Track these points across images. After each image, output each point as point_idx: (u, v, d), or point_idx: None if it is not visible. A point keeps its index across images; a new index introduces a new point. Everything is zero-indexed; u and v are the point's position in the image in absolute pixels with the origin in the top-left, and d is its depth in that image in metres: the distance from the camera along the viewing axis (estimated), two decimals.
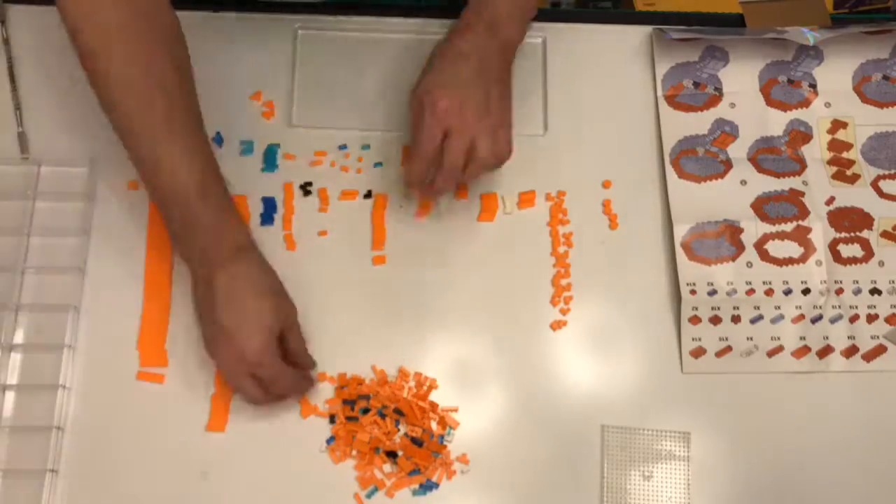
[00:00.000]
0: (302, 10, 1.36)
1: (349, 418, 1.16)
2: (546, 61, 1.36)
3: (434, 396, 1.18)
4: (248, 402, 1.14)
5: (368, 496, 1.14)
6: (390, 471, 1.15)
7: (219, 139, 1.29)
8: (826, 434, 1.19)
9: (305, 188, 1.27)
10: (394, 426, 1.16)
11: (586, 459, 1.17)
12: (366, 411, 1.16)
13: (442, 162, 1.13)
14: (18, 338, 1.18)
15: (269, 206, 1.26)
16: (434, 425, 1.16)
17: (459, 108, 1.12)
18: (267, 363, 1.10)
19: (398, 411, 1.16)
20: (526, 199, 1.28)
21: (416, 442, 1.15)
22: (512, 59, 1.22)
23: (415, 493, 1.14)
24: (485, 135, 1.13)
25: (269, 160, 1.28)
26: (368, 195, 1.28)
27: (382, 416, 1.16)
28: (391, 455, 1.15)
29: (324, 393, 1.18)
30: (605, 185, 1.29)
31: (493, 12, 1.18)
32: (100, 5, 1.06)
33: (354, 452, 1.15)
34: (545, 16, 1.35)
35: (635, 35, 1.38)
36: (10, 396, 1.16)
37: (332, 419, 1.16)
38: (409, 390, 1.18)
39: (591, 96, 1.33)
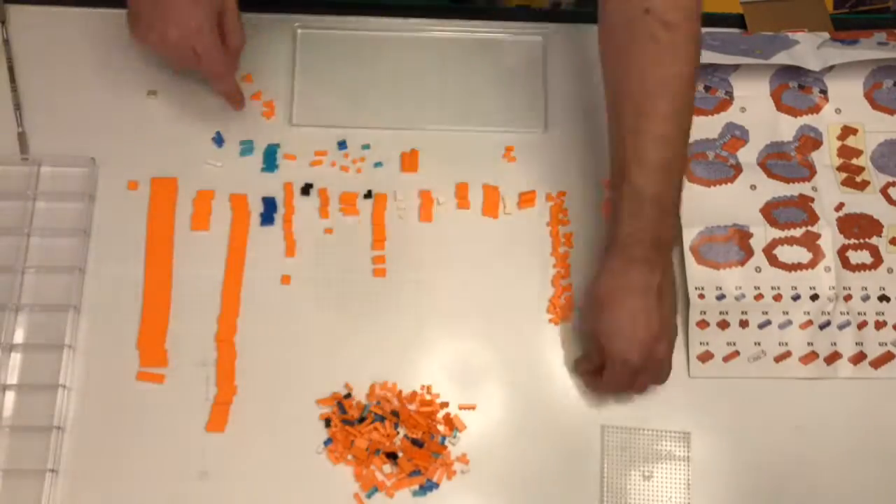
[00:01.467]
0: (301, 10, 1.36)
1: (345, 422, 1.15)
2: (546, 61, 1.36)
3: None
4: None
5: (369, 496, 1.13)
6: (390, 471, 1.14)
7: (219, 139, 1.28)
8: (828, 437, 1.19)
9: (306, 188, 1.27)
10: (393, 429, 1.15)
11: (586, 459, 1.17)
12: (362, 420, 1.16)
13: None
14: (18, 338, 1.17)
15: (269, 205, 1.26)
16: (441, 427, 1.16)
17: (644, 368, 1.12)
18: (204, 46, 1.16)
19: (395, 413, 1.16)
20: (526, 199, 1.27)
21: (417, 443, 1.15)
22: (671, 255, 1.17)
23: (415, 493, 1.14)
24: (667, 362, 1.15)
25: (270, 160, 1.28)
26: (368, 195, 1.27)
27: (381, 419, 1.15)
28: (391, 456, 1.14)
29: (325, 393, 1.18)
30: (606, 185, 1.28)
31: (647, 229, 1.12)
32: None
33: (350, 457, 1.14)
34: (545, 16, 1.35)
35: None
36: (10, 396, 1.15)
37: (327, 423, 1.16)
38: (416, 401, 1.18)
39: (592, 96, 1.32)
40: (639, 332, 1.10)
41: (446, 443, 1.16)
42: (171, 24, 1.13)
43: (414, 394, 1.17)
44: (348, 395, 1.16)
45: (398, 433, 1.15)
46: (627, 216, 1.11)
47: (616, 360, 1.11)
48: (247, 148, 1.28)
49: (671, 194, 1.12)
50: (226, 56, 1.19)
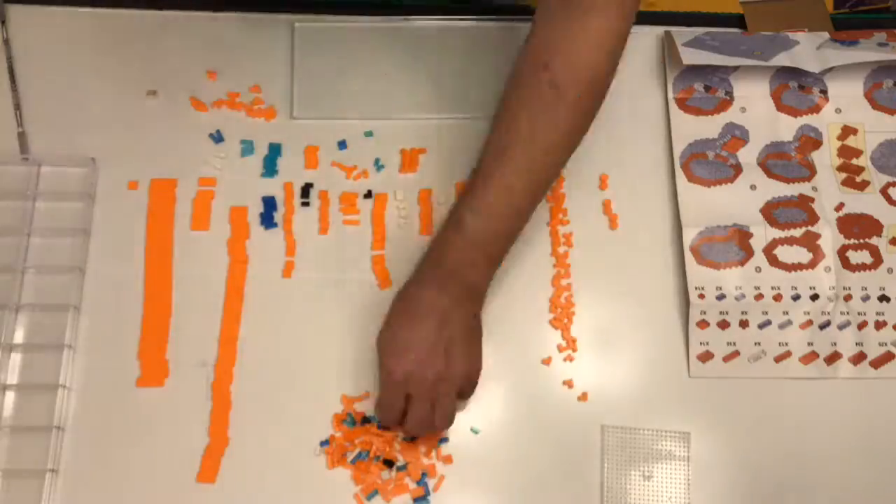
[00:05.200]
0: (299, 10, 1.36)
1: (347, 422, 1.16)
2: None
3: None
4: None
5: (368, 499, 1.13)
6: (388, 477, 1.14)
7: (219, 137, 1.28)
8: (828, 437, 1.19)
9: (305, 188, 1.27)
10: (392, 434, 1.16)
11: (586, 459, 1.17)
12: (366, 420, 1.16)
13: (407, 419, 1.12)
14: (18, 338, 1.17)
15: (269, 205, 1.26)
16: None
17: (413, 381, 1.09)
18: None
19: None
20: None
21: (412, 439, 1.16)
22: (480, 304, 1.17)
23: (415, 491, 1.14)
24: (444, 397, 1.11)
25: (270, 163, 1.28)
26: (368, 195, 1.27)
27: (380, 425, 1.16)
28: (388, 463, 1.14)
29: (325, 396, 1.17)
30: (605, 185, 1.29)
31: (454, 260, 1.13)
32: None
33: (350, 460, 1.15)
34: None
35: (637, 35, 1.35)
36: (10, 396, 1.15)
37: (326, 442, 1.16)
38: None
39: None
40: (407, 351, 1.09)
41: (442, 445, 1.16)
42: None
43: None
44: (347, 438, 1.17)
45: (397, 436, 1.16)
46: (450, 245, 1.13)
47: (384, 374, 1.10)
48: (247, 147, 1.28)
49: (497, 246, 1.14)
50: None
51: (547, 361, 1.20)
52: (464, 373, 1.12)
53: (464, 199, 1.13)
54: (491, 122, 1.15)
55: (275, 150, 1.28)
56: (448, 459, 1.15)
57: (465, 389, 1.14)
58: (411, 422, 1.11)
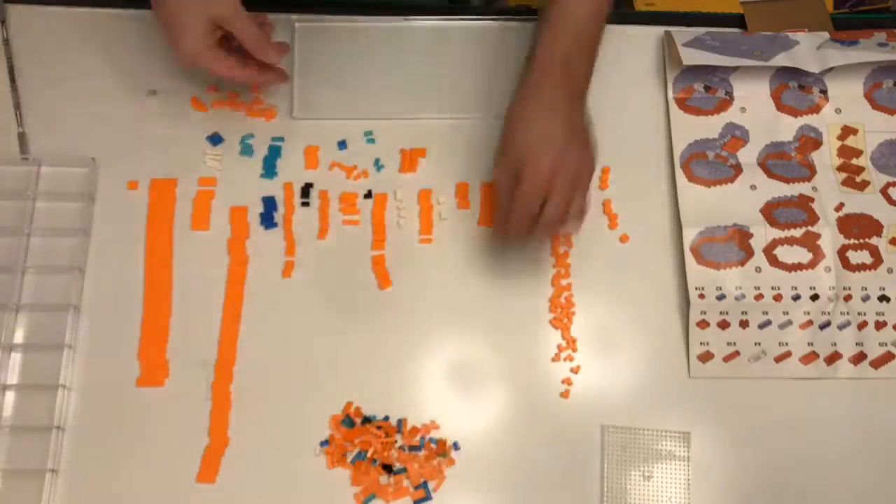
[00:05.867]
0: (300, 10, 1.36)
1: (345, 422, 1.16)
2: None
3: (434, 399, 1.18)
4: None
5: (367, 501, 1.13)
6: (386, 482, 1.14)
7: (217, 138, 1.28)
8: (828, 437, 1.19)
9: (305, 188, 1.27)
10: (390, 437, 1.16)
11: (586, 459, 1.17)
12: (366, 420, 1.16)
13: (539, 218, 1.12)
14: (18, 338, 1.17)
15: (270, 205, 1.26)
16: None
17: (558, 172, 1.10)
18: (204, 61, 1.17)
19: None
20: None
21: (415, 448, 1.15)
22: (586, 99, 1.19)
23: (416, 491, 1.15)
24: (580, 196, 1.14)
25: (270, 163, 1.28)
26: (369, 195, 1.27)
27: (379, 427, 1.16)
28: (387, 468, 1.14)
29: (325, 396, 1.17)
30: (605, 185, 1.29)
31: (564, 49, 1.16)
32: None
33: (350, 460, 1.15)
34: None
35: (637, 35, 1.38)
36: (10, 396, 1.15)
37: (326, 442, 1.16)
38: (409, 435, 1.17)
39: (592, 96, 1.31)
40: (551, 143, 1.11)
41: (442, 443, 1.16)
42: (178, 45, 1.17)
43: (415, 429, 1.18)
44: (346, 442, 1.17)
45: (396, 440, 1.16)
46: (548, 38, 1.15)
47: (529, 174, 1.10)
48: (247, 147, 1.28)
49: (593, 29, 1.18)
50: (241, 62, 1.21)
51: (547, 361, 1.20)
52: (592, 167, 1.15)
53: (552, 12, 1.18)
54: None
55: (275, 151, 1.28)
56: (449, 462, 1.15)
57: (587, 185, 1.16)
58: (550, 217, 1.12)
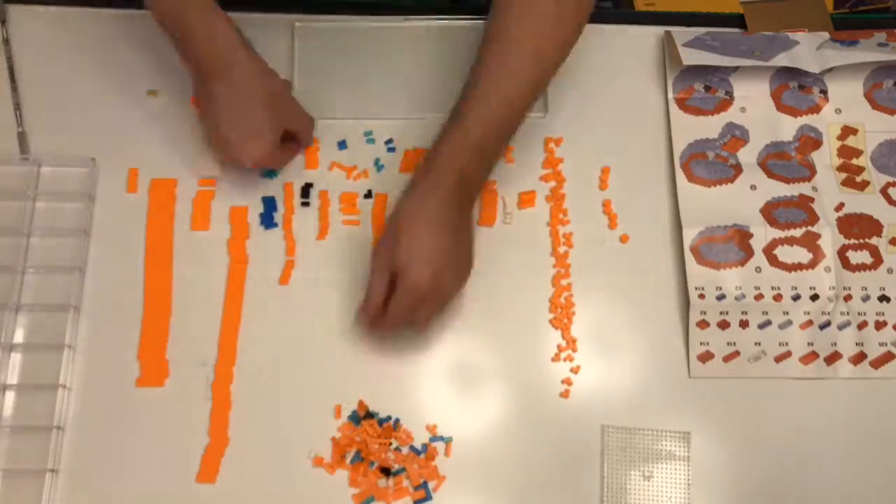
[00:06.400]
0: (300, 10, 1.36)
1: (351, 418, 1.16)
2: None
3: (434, 399, 1.18)
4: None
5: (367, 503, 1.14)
6: (385, 485, 1.14)
7: None
8: (828, 437, 1.19)
9: (305, 188, 1.27)
10: (388, 438, 1.16)
11: (586, 459, 1.17)
12: (368, 416, 1.16)
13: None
14: (18, 338, 1.18)
15: (269, 205, 1.26)
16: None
17: (433, 289, 1.12)
18: (273, 162, 1.27)
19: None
20: (526, 199, 1.27)
21: (414, 449, 1.15)
22: (476, 197, 1.20)
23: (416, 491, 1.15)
24: (444, 299, 1.16)
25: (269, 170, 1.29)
26: (369, 195, 1.27)
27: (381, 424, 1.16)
28: (385, 471, 1.14)
29: (325, 396, 1.17)
30: (605, 186, 1.29)
31: (464, 161, 1.14)
32: None
33: (350, 461, 1.15)
34: None
35: (637, 35, 1.38)
36: (10, 396, 1.15)
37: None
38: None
39: (592, 96, 1.33)
40: (432, 260, 1.11)
41: (441, 443, 1.16)
42: (247, 151, 1.21)
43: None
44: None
45: (391, 443, 1.16)
46: (447, 149, 1.14)
47: (407, 285, 1.10)
48: None
49: (494, 141, 1.16)
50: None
51: (547, 361, 1.20)
52: (462, 285, 1.17)
53: (463, 111, 1.15)
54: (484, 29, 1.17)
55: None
56: (441, 473, 1.16)
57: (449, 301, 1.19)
58: (411, 323, 1.15)
